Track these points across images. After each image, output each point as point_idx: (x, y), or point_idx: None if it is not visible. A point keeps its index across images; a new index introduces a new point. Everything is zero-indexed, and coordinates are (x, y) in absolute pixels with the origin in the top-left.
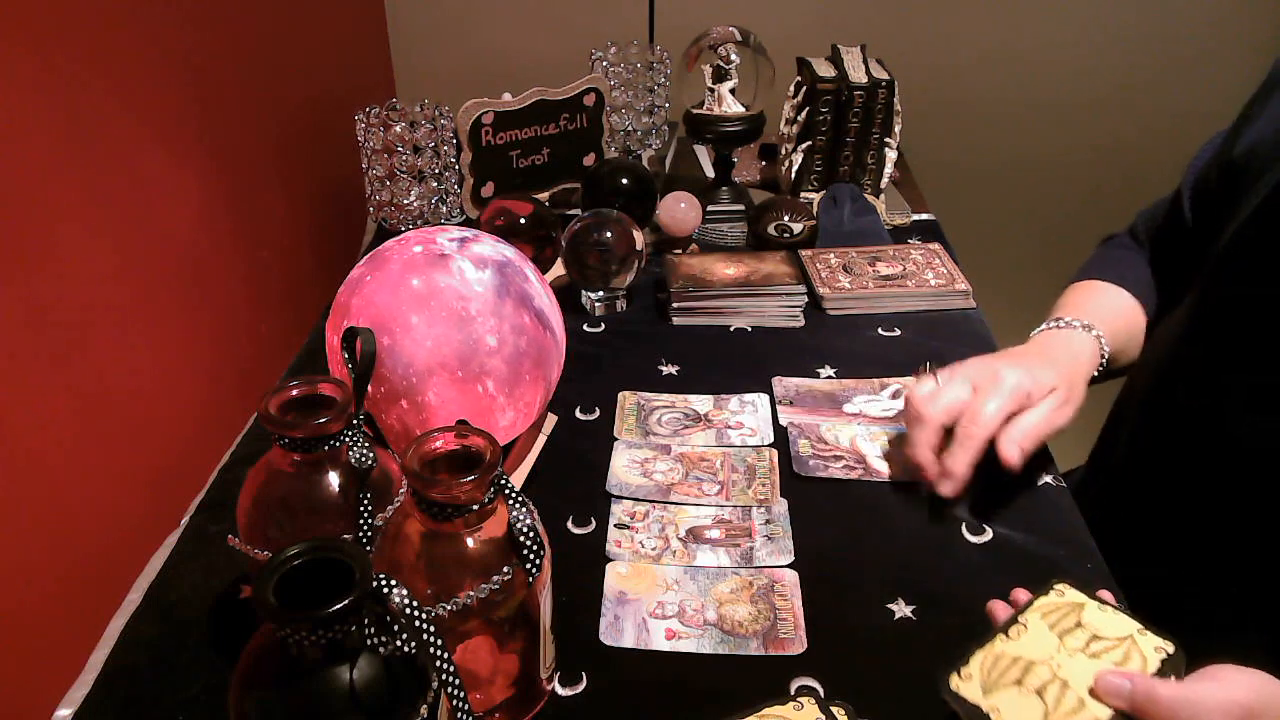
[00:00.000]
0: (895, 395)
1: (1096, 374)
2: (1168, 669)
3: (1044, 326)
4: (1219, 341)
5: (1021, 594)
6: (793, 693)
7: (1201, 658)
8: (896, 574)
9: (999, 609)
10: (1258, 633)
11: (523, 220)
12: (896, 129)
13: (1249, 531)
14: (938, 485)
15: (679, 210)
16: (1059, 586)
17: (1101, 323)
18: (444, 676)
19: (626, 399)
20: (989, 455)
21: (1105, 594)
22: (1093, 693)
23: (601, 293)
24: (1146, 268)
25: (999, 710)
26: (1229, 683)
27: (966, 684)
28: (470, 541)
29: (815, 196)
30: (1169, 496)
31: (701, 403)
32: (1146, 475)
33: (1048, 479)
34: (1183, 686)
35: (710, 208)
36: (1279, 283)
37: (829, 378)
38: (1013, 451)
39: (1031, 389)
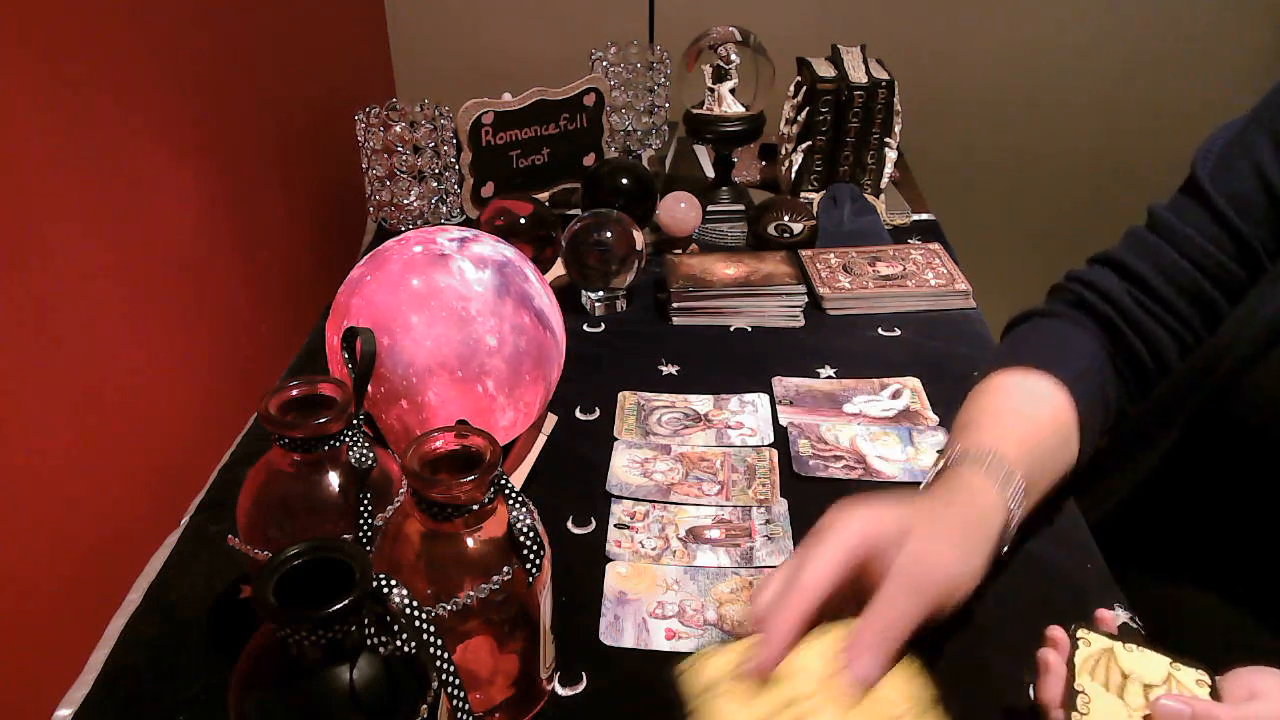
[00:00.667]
0: (895, 395)
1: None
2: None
3: (938, 465)
4: None
5: (1057, 632)
6: None
7: (1214, 663)
8: None
9: (1050, 657)
10: (1266, 634)
11: (523, 220)
12: (896, 129)
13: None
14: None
15: (679, 210)
16: (1080, 634)
17: (1017, 448)
18: (444, 676)
19: (626, 399)
20: None
21: (1103, 614)
22: None
23: (601, 293)
24: (1089, 342)
25: None
26: (1273, 695)
27: None
28: (470, 541)
29: (815, 196)
30: (1211, 503)
31: (701, 403)
32: (1189, 482)
33: None
34: (1239, 709)
35: (710, 208)
36: None
37: (829, 378)
38: (857, 662)
39: (875, 546)
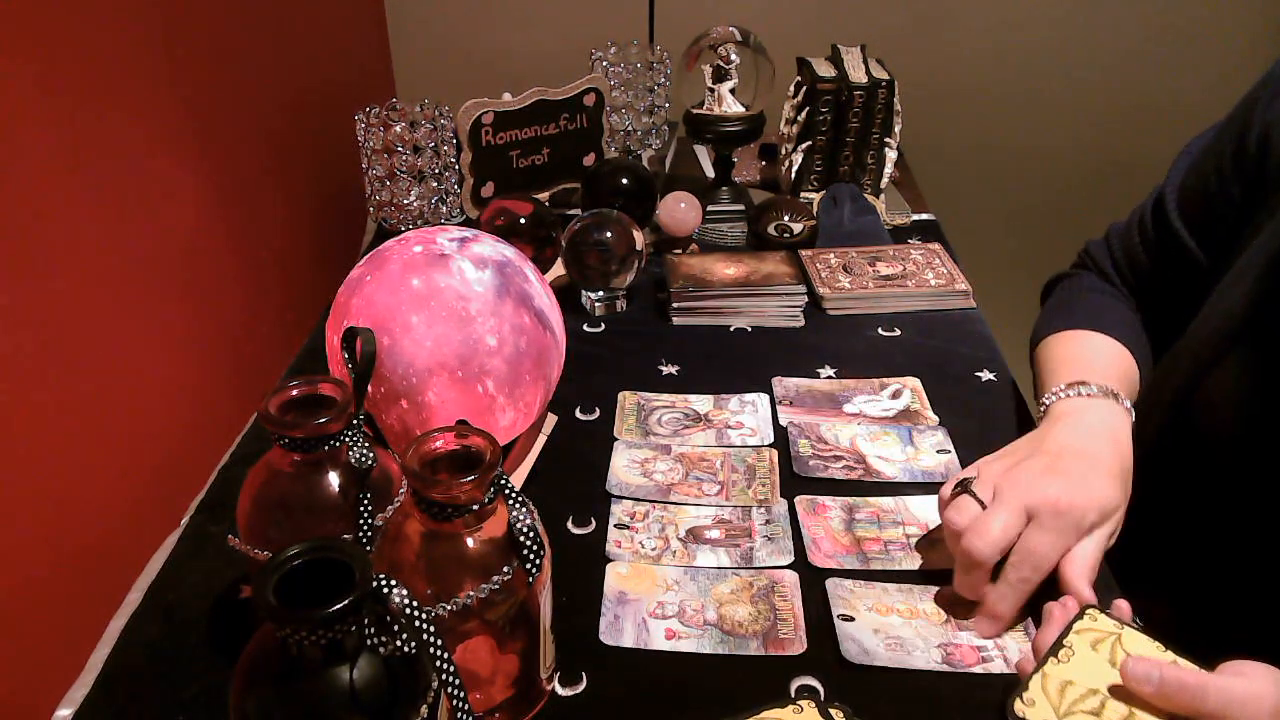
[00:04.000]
0: (895, 395)
1: None
2: None
3: (1061, 393)
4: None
5: (1069, 601)
6: (792, 693)
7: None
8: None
9: (1057, 610)
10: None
11: (523, 220)
12: (896, 129)
13: (1266, 541)
14: (976, 625)
15: (679, 210)
16: (1089, 611)
17: (1119, 383)
18: (444, 676)
19: (626, 399)
20: None
21: (1122, 604)
22: None
23: (601, 293)
24: (1126, 308)
25: None
26: (1255, 676)
27: (1032, 710)
28: (470, 541)
29: (815, 196)
30: (1183, 507)
31: (701, 403)
32: (1164, 486)
33: None
34: (1205, 675)
35: (710, 208)
36: None
37: (829, 378)
38: (1085, 591)
39: (1096, 518)
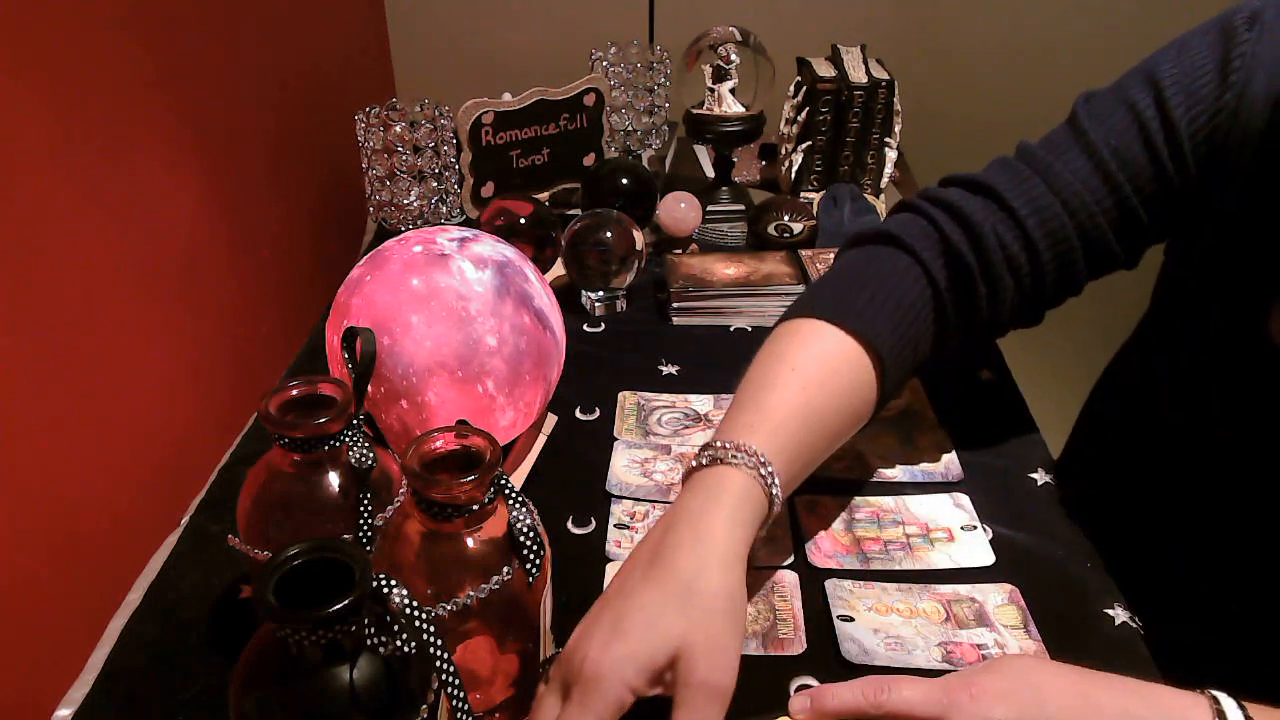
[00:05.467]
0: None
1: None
2: None
3: (703, 457)
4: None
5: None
6: (792, 693)
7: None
8: None
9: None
10: (1239, 611)
11: (523, 220)
12: (896, 129)
13: (1232, 528)
14: None
15: (679, 210)
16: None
17: (781, 431)
18: (444, 676)
19: (626, 399)
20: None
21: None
22: None
23: (601, 293)
24: (921, 292)
25: None
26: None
27: None
28: (470, 541)
29: (815, 196)
30: (1157, 483)
31: (701, 403)
32: (1133, 460)
33: (1047, 479)
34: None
35: (710, 208)
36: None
37: None
38: None
39: (634, 672)
